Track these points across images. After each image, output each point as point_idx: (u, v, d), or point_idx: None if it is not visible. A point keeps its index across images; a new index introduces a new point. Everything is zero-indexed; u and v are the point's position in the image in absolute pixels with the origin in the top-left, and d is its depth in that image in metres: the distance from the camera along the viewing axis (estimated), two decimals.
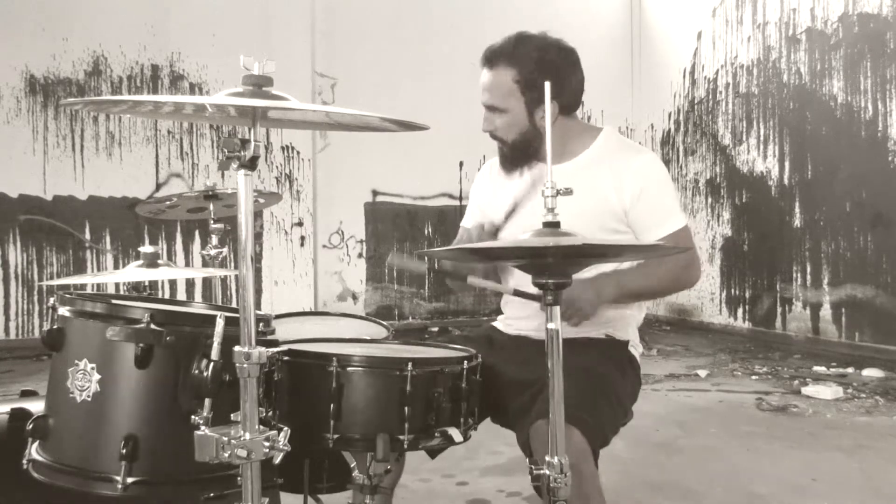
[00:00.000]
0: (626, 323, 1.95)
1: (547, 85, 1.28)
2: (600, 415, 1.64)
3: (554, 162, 1.95)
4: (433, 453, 1.53)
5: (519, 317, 2.02)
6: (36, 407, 1.58)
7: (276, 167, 7.32)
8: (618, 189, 1.86)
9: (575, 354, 1.74)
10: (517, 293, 1.78)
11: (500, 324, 2.11)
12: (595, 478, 1.55)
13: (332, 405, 1.36)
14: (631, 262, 1.90)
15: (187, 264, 6.84)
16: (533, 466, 1.24)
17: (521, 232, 1.92)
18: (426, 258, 2.08)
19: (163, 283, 6.20)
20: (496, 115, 1.94)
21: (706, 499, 2.85)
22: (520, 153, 1.96)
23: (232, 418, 1.19)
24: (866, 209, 5.79)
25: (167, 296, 6.27)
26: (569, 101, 1.95)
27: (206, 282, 6.89)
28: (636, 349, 1.98)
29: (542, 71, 1.87)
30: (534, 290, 1.76)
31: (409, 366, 1.38)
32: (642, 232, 1.88)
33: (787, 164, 6.63)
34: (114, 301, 1.51)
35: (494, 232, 1.97)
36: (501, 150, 2.00)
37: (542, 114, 1.86)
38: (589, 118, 7.72)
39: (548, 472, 1.21)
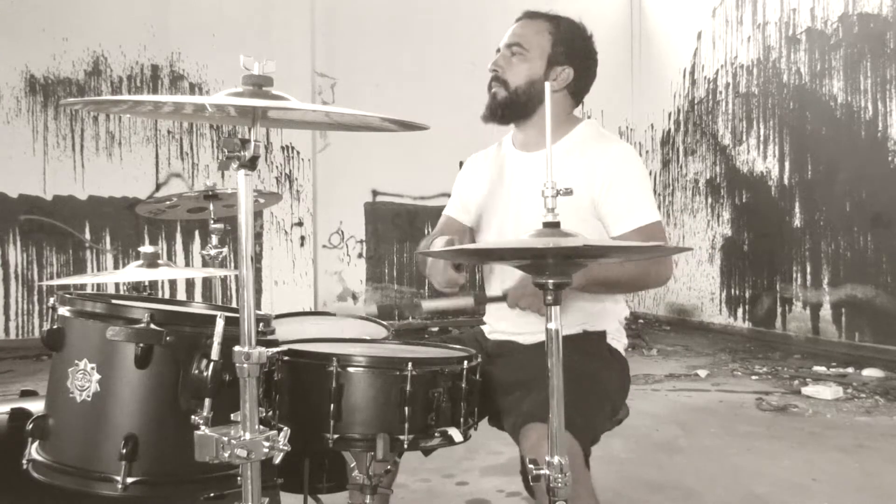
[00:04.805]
0: (602, 316, 1.91)
1: (547, 85, 1.27)
2: (589, 413, 1.62)
3: (531, 149, 1.96)
4: (427, 451, 1.53)
5: (497, 323, 2.00)
6: (36, 407, 1.58)
7: (276, 167, 7.32)
8: (588, 180, 1.83)
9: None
10: (479, 300, 1.77)
11: (485, 328, 2.08)
12: (587, 478, 1.54)
13: (332, 405, 1.36)
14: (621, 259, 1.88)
15: (187, 264, 6.85)
16: (533, 466, 1.24)
17: (494, 217, 1.93)
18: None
19: (163, 283, 6.20)
20: (514, 55, 1.92)
21: (706, 499, 2.85)
22: (515, 104, 1.92)
23: (232, 418, 1.19)
24: (866, 209, 5.79)
25: (167, 296, 6.27)
26: (581, 86, 1.98)
27: (206, 282, 6.89)
28: (619, 341, 1.94)
29: (573, 40, 1.94)
30: (496, 292, 1.75)
31: (409, 366, 1.38)
32: (612, 224, 1.83)
33: (787, 164, 6.63)
34: (114, 301, 1.51)
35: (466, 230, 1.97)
36: (495, 96, 1.94)
37: (556, 76, 1.91)
38: (589, 118, 7.70)
39: (547, 472, 1.21)
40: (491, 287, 2.04)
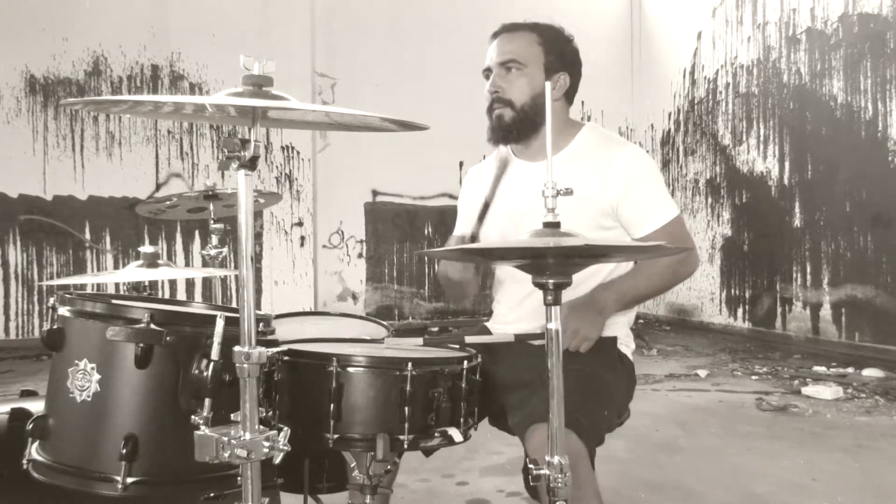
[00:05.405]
0: (613, 322, 1.91)
1: (547, 85, 1.27)
2: (595, 416, 1.63)
3: (537, 158, 1.95)
4: (428, 452, 1.54)
5: (507, 322, 2.01)
6: (36, 407, 1.58)
7: (276, 167, 7.32)
8: (603, 185, 1.83)
9: (565, 356, 1.73)
10: (518, 338, 1.78)
11: (491, 326, 2.09)
12: (592, 479, 1.54)
13: (332, 405, 1.36)
14: (626, 260, 1.89)
15: (187, 264, 6.84)
16: (532, 466, 1.24)
17: (497, 228, 1.93)
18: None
19: (163, 283, 6.20)
20: (512, 72, 1.89)
21: (706, 499, 2.85)
22: (524, 122, 1.89)
23: (232, 418, 1.19)
24: (866, 209, 5.79)
25: (167, 296, 6.27)
26: (574, 89, 1.98)
27: (206, 282, 6.89)
28: (627, 346, 1.95)
29: (561, 46, 1.94)
30: (535, 330, 1.77)
31: (409, 366, 1.38)
32: (634, 227, 1.85)
33: (787, 164, 6.63)
34: (114, 301, 1.51)
35: (473, 238, 1.93)
36: (500, 118, 1.90)
37: (554, 85, 1.90)
38: (589, 118, 7.72)
39: (547, 472, 1.21)
40: (500, 307, 2.07)
